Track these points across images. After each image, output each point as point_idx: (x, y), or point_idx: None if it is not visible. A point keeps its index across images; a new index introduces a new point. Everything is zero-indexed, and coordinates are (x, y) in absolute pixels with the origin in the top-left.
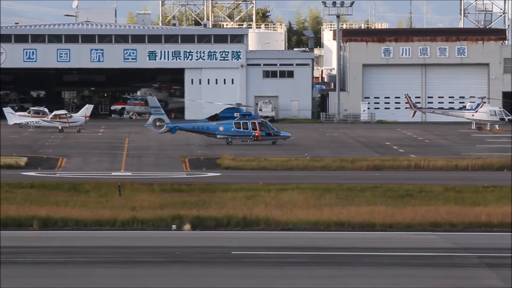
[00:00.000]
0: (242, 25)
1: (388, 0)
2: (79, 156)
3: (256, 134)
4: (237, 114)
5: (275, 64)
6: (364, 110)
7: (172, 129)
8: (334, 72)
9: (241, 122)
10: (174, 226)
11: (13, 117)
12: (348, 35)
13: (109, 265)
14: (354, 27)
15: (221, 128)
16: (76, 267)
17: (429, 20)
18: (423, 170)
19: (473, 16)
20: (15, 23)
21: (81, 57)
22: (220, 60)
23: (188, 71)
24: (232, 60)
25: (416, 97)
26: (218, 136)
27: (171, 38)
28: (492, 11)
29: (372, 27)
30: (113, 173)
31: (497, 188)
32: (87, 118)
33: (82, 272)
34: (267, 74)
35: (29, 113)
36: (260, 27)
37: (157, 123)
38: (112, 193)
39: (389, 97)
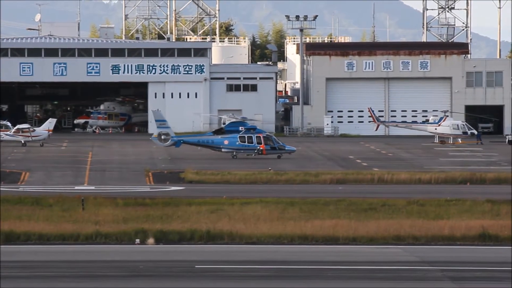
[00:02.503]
0: (206, 39)
1: (349, 1)
2: (42, 170)
3: (261, 148)
4: (242, 128)
5: (239, 78)
6: (327, 124)
7: (177, 142)
8: (298, 85)
9: (246, 136)
10: (137, 240)
11: None
12: (311, 49)
13: (72, 279)
14: (317, 41)
15: (226, 142)
16: (39, 281)
17: (392, 34)
18: (386, 184)
19: (435, 30)
20: None
21: (44, 71)
22: (183, 73)
23: (152, 85)
24: (195, 73)
25: (379, 111)
26: (223, 150)
27: (134, 52)
28: (454, 25)
29: (335, 41)
30: (76, 187)
31: (460, 201)
32: (50, 132)
33: (45, 286)
34: (230, 88)
35: None
36: (223, 41)
37: (162, 137)
38: (75, 207)
39: (352, 111)
